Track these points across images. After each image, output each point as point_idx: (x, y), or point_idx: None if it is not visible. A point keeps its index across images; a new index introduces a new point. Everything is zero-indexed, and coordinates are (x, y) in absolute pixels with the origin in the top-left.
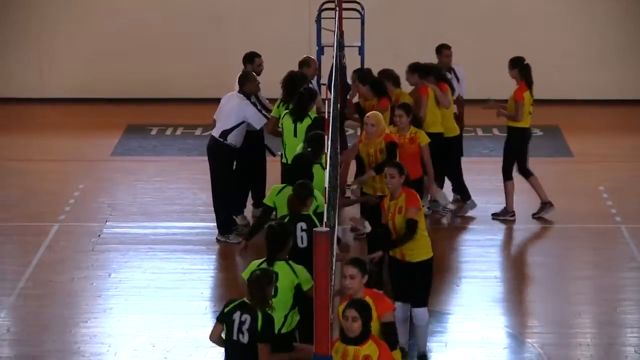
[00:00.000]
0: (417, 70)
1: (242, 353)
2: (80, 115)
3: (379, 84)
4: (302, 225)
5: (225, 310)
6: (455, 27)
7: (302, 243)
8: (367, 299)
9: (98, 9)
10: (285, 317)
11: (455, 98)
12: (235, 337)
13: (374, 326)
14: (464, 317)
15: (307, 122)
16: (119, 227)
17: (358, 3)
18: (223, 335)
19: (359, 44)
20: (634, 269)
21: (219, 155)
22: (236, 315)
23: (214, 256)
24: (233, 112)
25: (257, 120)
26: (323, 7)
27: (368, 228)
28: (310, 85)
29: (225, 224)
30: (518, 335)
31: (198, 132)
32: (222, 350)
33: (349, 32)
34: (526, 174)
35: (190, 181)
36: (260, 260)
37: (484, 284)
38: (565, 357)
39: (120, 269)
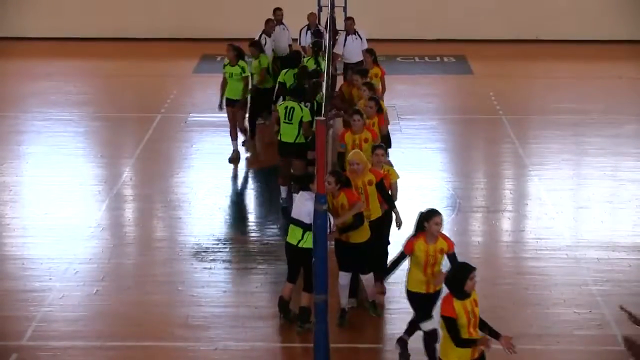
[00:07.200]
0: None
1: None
2: (174, 49)
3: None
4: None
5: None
6: None
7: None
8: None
9: None
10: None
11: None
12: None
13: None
14: (407, 168)
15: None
16: (198, 117)
17: None
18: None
19: (343, 4)
20: (509, 142)
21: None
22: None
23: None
24: None
25: None
26: None
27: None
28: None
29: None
30: (440, 183)
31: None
32: None
33: None
34: None
35: None
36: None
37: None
38: (467, 197)
39: (198, 141)
